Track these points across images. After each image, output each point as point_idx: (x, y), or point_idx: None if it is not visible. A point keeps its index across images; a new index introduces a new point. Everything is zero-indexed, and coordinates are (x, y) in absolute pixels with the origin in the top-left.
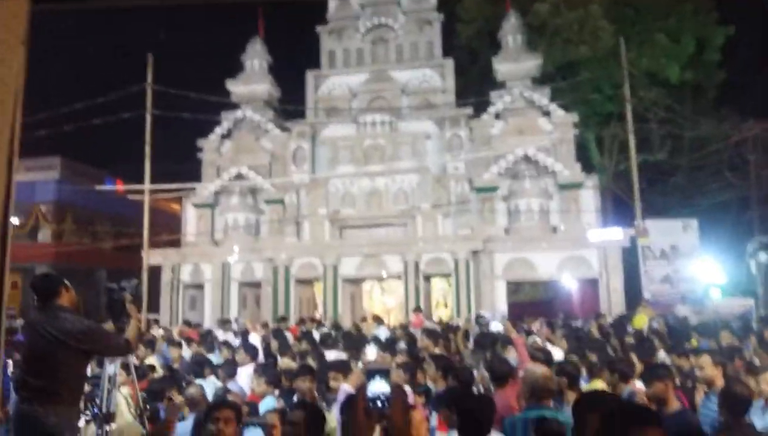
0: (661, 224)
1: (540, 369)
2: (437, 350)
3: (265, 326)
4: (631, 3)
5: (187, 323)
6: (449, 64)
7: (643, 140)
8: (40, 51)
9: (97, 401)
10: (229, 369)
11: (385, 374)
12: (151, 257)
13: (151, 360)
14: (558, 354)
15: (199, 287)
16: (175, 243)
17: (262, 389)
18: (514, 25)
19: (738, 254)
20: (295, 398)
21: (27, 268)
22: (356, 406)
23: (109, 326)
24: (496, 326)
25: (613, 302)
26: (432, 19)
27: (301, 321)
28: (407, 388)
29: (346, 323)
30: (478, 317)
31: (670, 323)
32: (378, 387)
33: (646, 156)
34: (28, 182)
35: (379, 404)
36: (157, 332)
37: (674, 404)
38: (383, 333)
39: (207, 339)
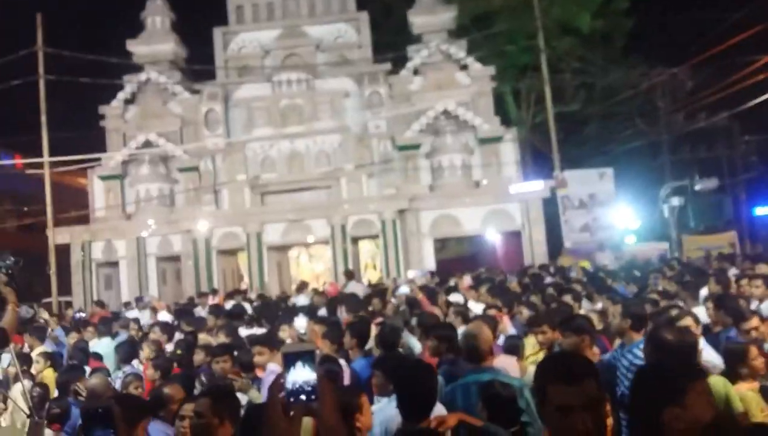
0: (578, 174)
1: (483, 327)
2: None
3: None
4: None
5: (99, 303)
6: (364, 17)
7: (557, 91)
8: None
9: None
10: (125, 352)
11: (308, 357)
12: (57, 235)
13: (41, 349)
14: (477, 309)
15: (114, 264)
16: (84, 220)
17: (155, 376)
18: None
19: (651, 200)
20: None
21: None
22: (272, 403)
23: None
24: (403, 290)
25: (536, 253)
26: None
27: (229, 295)
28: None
29: (274, 293)
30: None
31: (590, 270)
32: (300, 375)
33: (560, 107)
34: None
35: (302, 397)
36: (44, 315)
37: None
38: (303, 301)
39: (105, 322)
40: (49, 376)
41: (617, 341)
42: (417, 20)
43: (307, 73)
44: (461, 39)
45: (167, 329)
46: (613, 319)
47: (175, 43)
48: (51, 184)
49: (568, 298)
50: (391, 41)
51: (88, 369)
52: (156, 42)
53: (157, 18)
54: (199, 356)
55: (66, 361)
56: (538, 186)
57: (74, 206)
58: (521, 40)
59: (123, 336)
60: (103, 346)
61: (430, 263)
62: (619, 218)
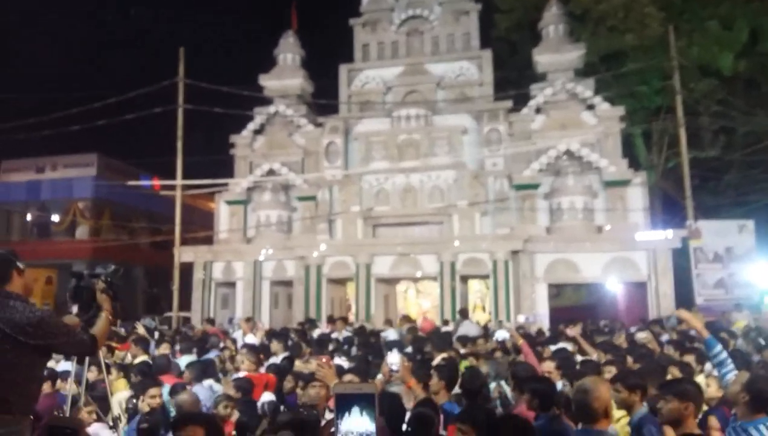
0: (714, 225)
1: (600, 384)
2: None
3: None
4: None
5: (210, 321)
6: (487, 55)
7: (693, 136)
8: (71, 47)
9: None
10: (197, 370)
11: (366, 402)
12: (183, 254)
13: (143, 358)
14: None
15: (231, 285)
16: (208, 240)
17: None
18: (555, 14)
19: None
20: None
21: (64, 264)
22: None
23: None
24: (501, 335)
25: (662, 306)
26: (469, 9)
27: (330, 320)
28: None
29: (379, 325)
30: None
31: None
32: (355, 424)
33: (696, 152)
34: (66, 179)
35: None
36: (140, 329)
37: (691, 427)
38: (392, 336)
39: (187, 339)
40: (120, 386)
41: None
42: (542, 58)
43: (427, 109)
44: (589, 78)
45: (254, 351)
46: (732, 385)
47: (303, 79)
48: (181, 206)
49: (690, 358)
50: (515, 79)
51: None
52: (286, 77)
53: (289, 55)
54: (289, 384)
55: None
56: (668, 235)
57: (201, 228)
58: (655, 81)
59: (211, 355)
60: (182, 362)
61: (543, 309)
62: (759, 275)
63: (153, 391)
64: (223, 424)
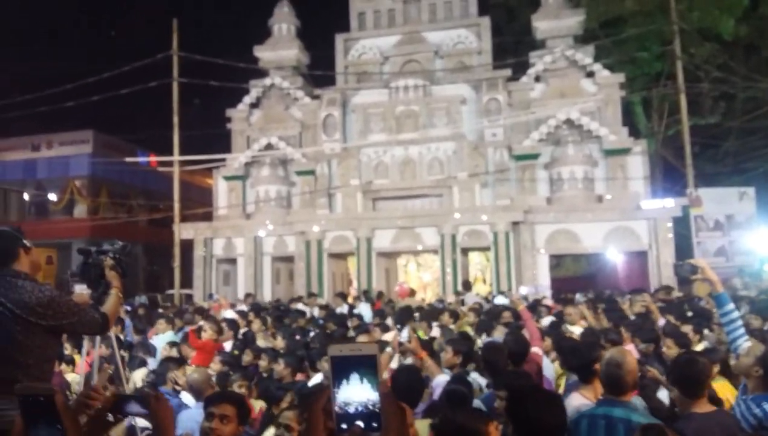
0: (714, 193)
1: (628, 356)
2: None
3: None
4: None
5: (211, 296)
6: (485, 23)
7: (693, 103)
8: (63, 22)
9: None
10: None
11: (367, 366)
12: (183, 231)
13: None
14: (576, 331)
15: (232, 261)
16: (208, 217)
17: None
18: None
19: None
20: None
21: (63, 243)
22: (314, 429)
23: (80, 297)
24: (500, 300)
25: (663, 276)
26: None
27: (341, 295)
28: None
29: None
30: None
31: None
32: (355, 394)
33: (696, 119)
34: (62, 157)
35: (360, 424)
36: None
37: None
38: (365, 311)
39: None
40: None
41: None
42: (541, 25)
43: (425, 79)
44: (588, 45)
45: (232, 326)
46: (744, 357)
47: (298, 50)
48: (179, 183)
49: (687, 329)
50: (513, 47)
51: (150, 361)
52: (281, 48)
53: (284, 25)
54: (248, 357)
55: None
56: (668, 203)
57: (200, 204)
58: (655, 46)
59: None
60: (165, 338)
61: (545, 280)
62: (759, 242)
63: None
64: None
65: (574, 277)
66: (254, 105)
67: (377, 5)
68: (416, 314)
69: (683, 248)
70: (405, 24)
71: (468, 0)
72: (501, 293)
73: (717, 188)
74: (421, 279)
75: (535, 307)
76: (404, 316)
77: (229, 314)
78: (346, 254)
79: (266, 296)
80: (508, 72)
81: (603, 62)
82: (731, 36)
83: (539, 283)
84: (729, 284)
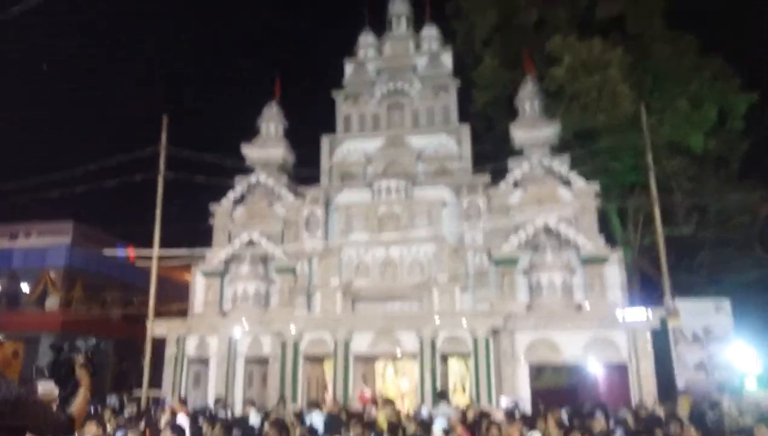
0: (691, 305)
1: None
2: None
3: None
4: (650, 69)
5: (182, 400)
6: (465, 129)
7: (667, 213)
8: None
9: None
10: None
11: None
12: (156, 327)
13: None
14: None
15: (205, 362)
16: (182, 313)
17: None
18: (530, 91)
19: None
20: None
21: (32, 336)
22: None
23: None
24: (440, 424)
25: (644, 390)
26: (448, 84)
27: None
28: None
29: (357, 407)
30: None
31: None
32: None
33: (671, 230)
34: (39, 248)
35: None
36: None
37: None
38: (317, 420)
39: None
40: None
41: None
42: (519, 134)
43: (407, 181)
44: (564, 154)
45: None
46: None
47: (285, 149)
48: (157, 278)
49: None
50: (492, 153)
51: None
52: (268, 147)
53: (271, 124)
54: None
55: None
56: (647, 314)
57: (176, 300)
58: (628, 158)
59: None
60: None
61: (525, 392)
62: (738, 357)
63: None
64: None
65: (555, 389)
66: (238, 201)
67: (363, 110)
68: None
69: (663, 361)
70: (389, 128)
71: (449, 107)
72: (442, 400)
73: (693, 300)
74: (399, 387)
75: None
76: (333, 425)
77: (182, 419)
78: (322, 357)
79: (237, 400)
80: (487, 177)
81: (578, 171)
82: (701, 149)
83: (519, 395)
84: (714, 402)
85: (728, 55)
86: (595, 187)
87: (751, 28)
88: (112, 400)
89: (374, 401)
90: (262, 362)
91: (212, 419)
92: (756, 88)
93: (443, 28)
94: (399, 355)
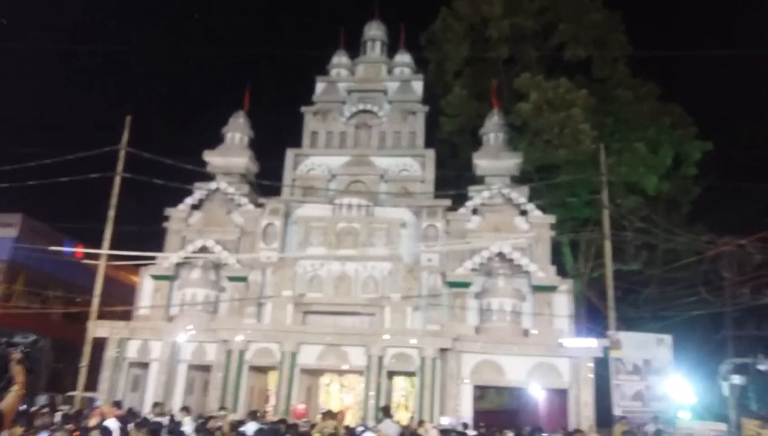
0: (634, 337)
1: None
2: None
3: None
4: (612, 112)
5: (117, 403)
6: (430, 154)
7: (617, 249)
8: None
9: None
10: None
11: None
12: (98, 328)
13: None
14: None
15: (145, 366)
16: (126, 316)
17: None
18: (496, 123)
19: (710, 375)
20: None
21: None
22: None
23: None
24: None
25: (582, 416)
26: (416, 110)
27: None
28: None
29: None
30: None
31: None
32: None
33: (620, 265)
34: None
35: None
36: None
37: None
38: (251, 430)
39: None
40: None
41: None
42: (481, 163)
43: (369, 200)
44: (523, 185)
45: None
46: None
47: (248, 159)
48: (104, 278)
49: None
50: (454, 179)
51: None
52: (231, 155)
53: (237, 134)
54: None
55: None
56: (591, 343)
57: (121, 302)
58: (584, 194)
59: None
60: None
61: (468, 412)
62: (674, 390)
63: None
64: None
65: (498, 410)
66: (195, 206)
67: (331, 127)
68: None
69: (603, 389)
70: (355, 147)
71: (416, 132)
72: (366, 428)
73: (636, 333)
74: (342, 401)
75: None
76: None
77: (112, 423)
78: (268, 368)
79: (176, 406)
80: (447, 202)
81: (536, 203)
82: (655, 191)
83: (461, 415)
84: (643, 431)
85: (687, 104)
86: (550, 219)
87: (710, 81)
88: (42, 400)
89: (335, 416)
90: (205, 369)
91: (142, 424)
92: (711, 136)
93: (416, 55)
94: (346, 368)
